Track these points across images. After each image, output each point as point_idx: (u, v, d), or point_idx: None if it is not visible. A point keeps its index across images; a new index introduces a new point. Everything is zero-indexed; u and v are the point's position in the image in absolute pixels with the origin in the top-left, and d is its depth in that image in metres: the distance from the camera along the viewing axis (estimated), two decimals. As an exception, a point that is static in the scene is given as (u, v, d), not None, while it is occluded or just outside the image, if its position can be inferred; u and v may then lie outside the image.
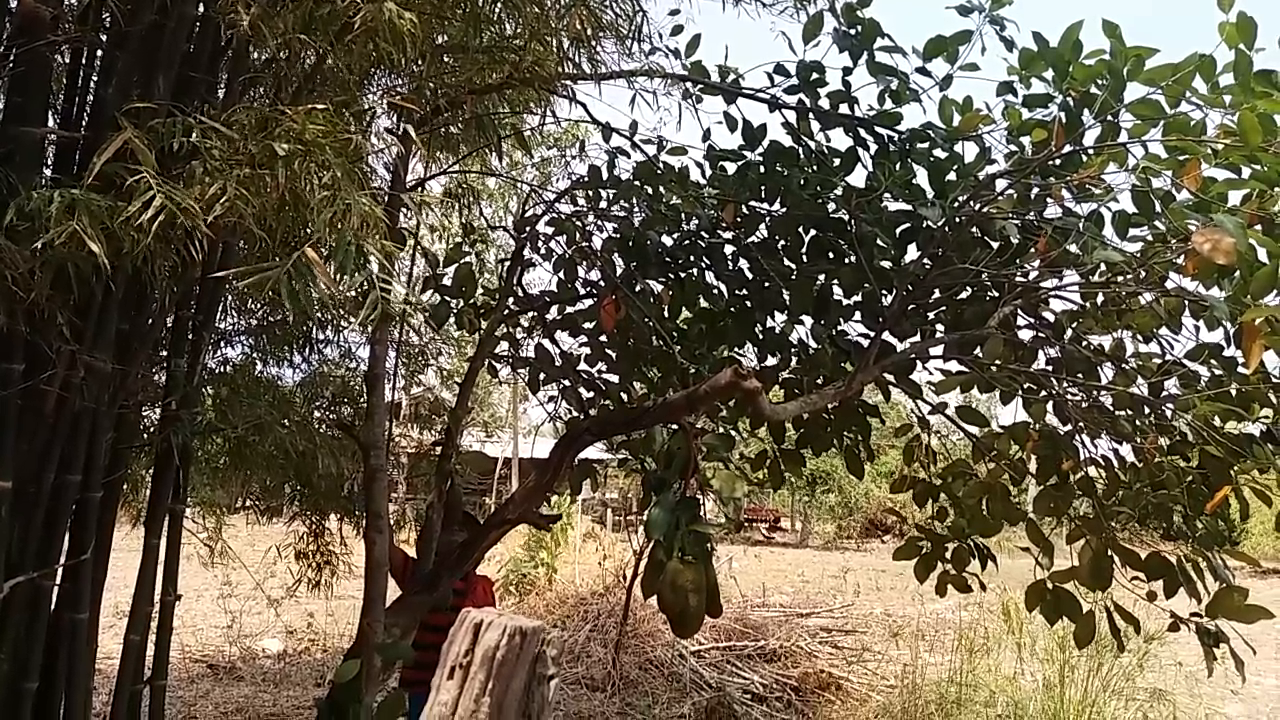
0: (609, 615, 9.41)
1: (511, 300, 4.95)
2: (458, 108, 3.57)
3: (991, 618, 9.31)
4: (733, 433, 4.03)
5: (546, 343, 5.04)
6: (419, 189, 4.14)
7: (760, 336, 4.83)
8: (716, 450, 3.26)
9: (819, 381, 4.51)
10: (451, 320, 3.88)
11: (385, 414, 3.45)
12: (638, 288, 4.60)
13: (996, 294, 4.07)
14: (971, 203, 3.81)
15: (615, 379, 5.07)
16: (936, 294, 4.26)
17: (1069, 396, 3.55)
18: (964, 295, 4.21)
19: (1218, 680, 8.69)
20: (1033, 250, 3.87)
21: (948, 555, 3.85)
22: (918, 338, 4.16)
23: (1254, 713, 8.42)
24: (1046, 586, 3.62)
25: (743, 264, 4.78)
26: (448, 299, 3.50)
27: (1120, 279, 3.56)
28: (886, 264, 4.22)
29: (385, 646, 3.29)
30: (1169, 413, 3.53)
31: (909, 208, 4.17)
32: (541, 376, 5.11)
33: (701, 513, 3.19)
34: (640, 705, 8.04)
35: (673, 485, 3.16)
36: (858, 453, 4.42)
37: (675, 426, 3.74)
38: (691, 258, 4.79)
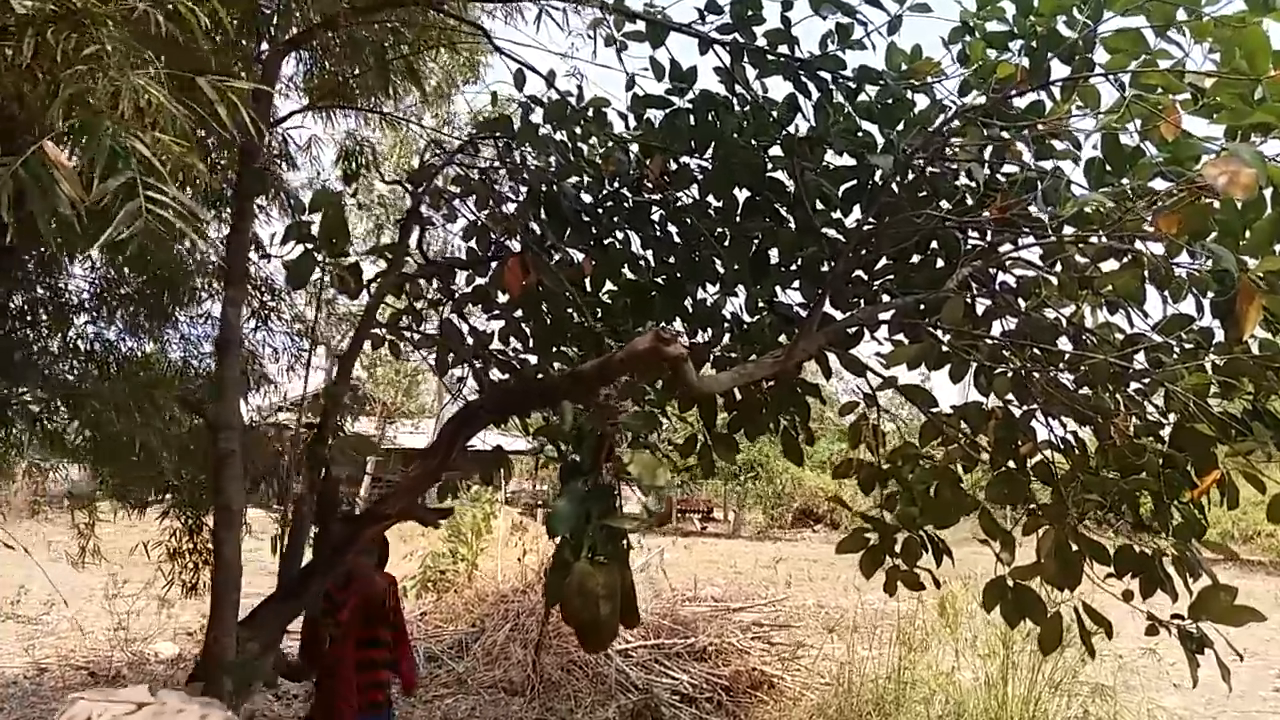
0: (530, 614, 8.88)
1: (413, 267, 4.41)
2: (334, 28, 3.01)
3: (929, 611, 9.03)
4: (656, 412, 3.53)
5: (455, 318, 4.51)
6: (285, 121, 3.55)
7: (690, 310, 4.37)
8: (637, 431, 2.77)
9: (753, 358, 4.07)
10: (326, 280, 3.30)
11: (240, 389, 2.89)
12: (556, 256, 4.09)
13: (949, 258, 3.67)
14: (921, 155, 3.37)
15: (533, 359, 4.57)
16: (884, 261, 3.85)
17: (1030, 370, 3.15)
18: (914, 260, 3.80)
19: (1151, 673, 8.55)
20: (986, 214, 3.47)
21: (897, 548, 3.43)
22: (863, 306, 3.73)
23: (1190, 704, 8.27)
24: (1006, 584, 3.22)
25: (671, 230, 4.31)
26: (313, 251, 2.94)
27: (1091, 239, 3.17)
28: (830, 230, 3.79)
29: (238, 665, 2.73)
30: (1144, 387, 3.15)
31: (854, 162, 3.74)
32: (450, 357, 4.58)
33: (618, 504, 2.70)
34: (561, 710, 7.54)
35: (584, 473, 2.67)
36: (795, 435, 3.98)
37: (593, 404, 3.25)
38: (615, 219, 4.30)
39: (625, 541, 2.68)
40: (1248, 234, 2.85)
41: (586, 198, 4.15)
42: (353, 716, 3.94)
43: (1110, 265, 3.24)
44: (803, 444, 3.99)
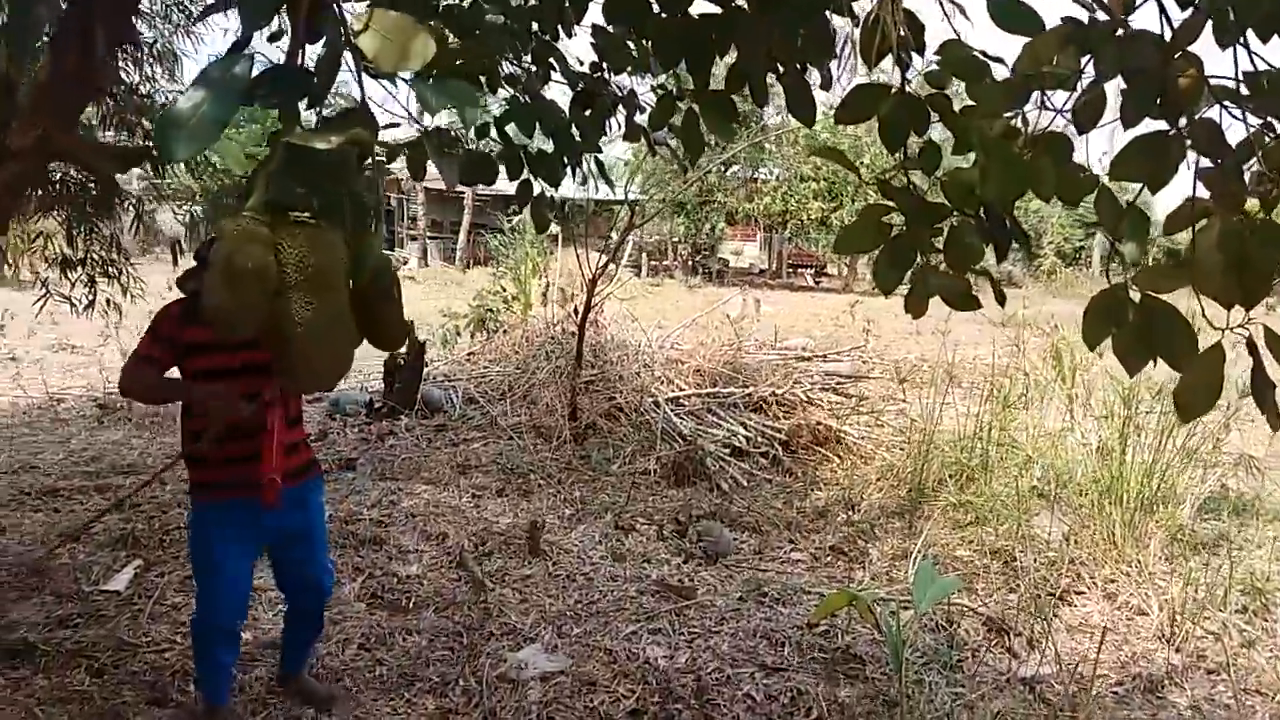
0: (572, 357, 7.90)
1: None
2: None
3: (1043, 364, 7.60)
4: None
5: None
6: None
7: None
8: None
9: None
10: None
11: None
12: None
13: None
14: None
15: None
16: None
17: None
18: None
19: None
20: None
21: (939, 241, 2.01)
22: None
23: (1369, 482, 6.73)
24: (1127, 298, 1.81)
25: None
26: None
27: None
28: None
29: None
30: None
31: None
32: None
33: (353, 113, 1.40)
34: (596, 459, 6.67)
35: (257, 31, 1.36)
36: (804, 74, 2.51)
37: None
38: None
39: (358, 183, 1.41)
40: None
41: None
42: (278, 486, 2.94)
43: None
44: (816, 89, 2.52)
